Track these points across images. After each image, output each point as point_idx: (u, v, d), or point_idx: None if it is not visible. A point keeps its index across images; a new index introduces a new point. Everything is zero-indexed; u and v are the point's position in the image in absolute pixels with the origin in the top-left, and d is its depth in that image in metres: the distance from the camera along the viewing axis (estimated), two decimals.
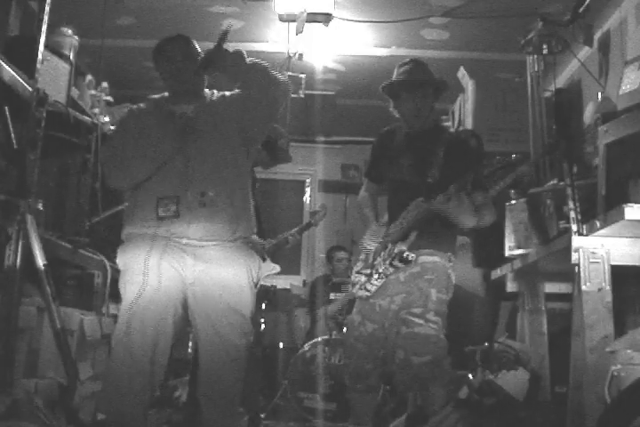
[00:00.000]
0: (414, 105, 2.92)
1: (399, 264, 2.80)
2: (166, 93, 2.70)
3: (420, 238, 2.82)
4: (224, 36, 2.50)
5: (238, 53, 2.55)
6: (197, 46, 2.64)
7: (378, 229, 2.98)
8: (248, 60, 2.56)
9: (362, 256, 3.03)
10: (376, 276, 2.87)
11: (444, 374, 2.73)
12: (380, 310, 2.88)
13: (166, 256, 2.48)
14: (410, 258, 2.78)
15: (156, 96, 2.72)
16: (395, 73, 3.01)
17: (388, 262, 2.83)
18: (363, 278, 2.93)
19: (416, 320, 2.74)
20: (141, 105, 2.71)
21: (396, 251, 2.83)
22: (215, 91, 2.73)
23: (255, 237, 2.73)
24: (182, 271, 2.49)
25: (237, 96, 2.64)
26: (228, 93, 2.70)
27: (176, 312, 2.51)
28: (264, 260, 2.97)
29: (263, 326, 4.74)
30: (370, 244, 2.98)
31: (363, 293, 2.91)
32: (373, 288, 2.88)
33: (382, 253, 2.89)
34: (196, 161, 2.53)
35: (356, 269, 3.01)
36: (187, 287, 2.50)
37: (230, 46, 2.54)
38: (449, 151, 2.88)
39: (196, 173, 2.52)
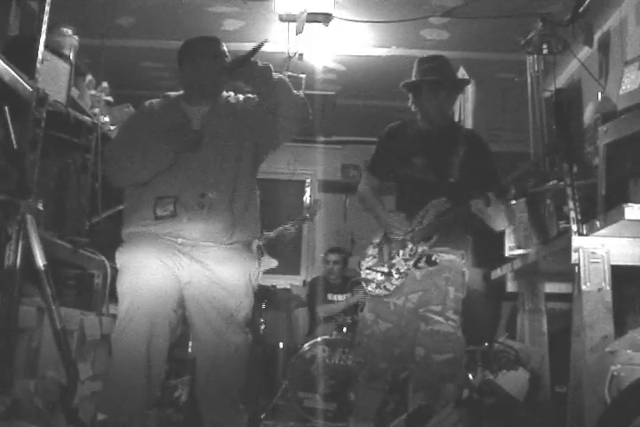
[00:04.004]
0: (438, 104, 2.92)
1: (425, 266, 2.81)
2: (182, 92, 2.70)
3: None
4: (258, 48, 2.51)
5: (267, 68, 2.55)
6: (226, 49, 2.63)
7: (399, 220, 2.93)
8: (275, 75, 2.56)
9: (371, 251, 3.00)
10: (397, 276, 2.85)
11: (461, 372, 2.74)
12: (395, 308, 2.87)
13: (161, 255, 2.48)
14: (437, 261, 2.79)
15: (172, 93, 2.72)
16: (415, 68, 2.98)
17: (411, 263, 2.83)
18: (379, 277, 2.90)
19: (435, 318, 2.75)
20: (154, 102, 2.71)
21: (419, 251, 2.82)
22: (232, 93, 2.72)
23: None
24: (177, 270, 2.49)
25: (258, 107, 2.62)
26: (251, 96, 2.69)
27: (172, 311, 2.50)
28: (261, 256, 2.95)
29: (263, 326, 4.74)
30: (397, 235, 2.92)
31: (381, 291, 2.89)
32: (393, 287, 2.86)
33: (402, 252, 2.87)
34: (200, 163, 2.53)
35: (366, 264, 2.97)
36: (182, 287, 2.50)
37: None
38: (468, 150, 2.89)
39: (198, 175, 2.51)
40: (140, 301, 2.44)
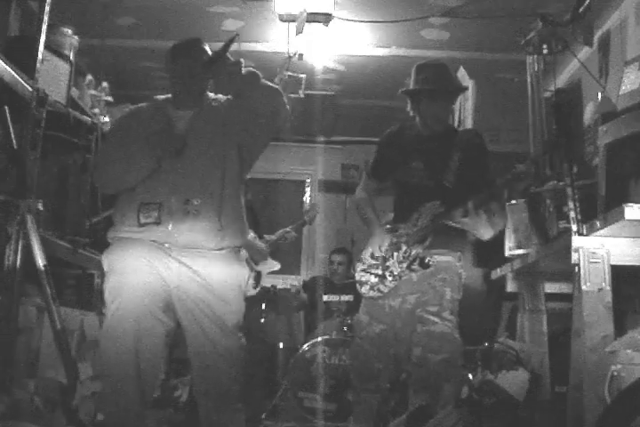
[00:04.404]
0: (435, 112, 2.94)
1: (418, 268, 2.82)
2: (170, 95, 2.67)
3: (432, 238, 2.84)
4: (230, 43, 2.47)
5: (236, 63, 2.51)
6: (209, 51, 2.59)
7: (383, 236, 2.95)
8: (244, 70, 2.51)
9: (367, 254, 3.01)
10: (390, 278, 2.87)
11: (458, 372, 2.75)
12: (390, 310, 2.89)
13: (148, 257, 2.45)
14: (430, 263, 2.80)
15: (161, 97, 2.69)
16: (414, 75, 2.99)
17: (405, 265, 2.84)
18: (373, 279, 2.91)
19: (432, 318, 2.76)
20: (142, 106, 2.69)
21: (413, 254, 2.83)
22: (221, 95, 2.69)
23: (256, 239, 2.69)
24: (165, 273, 2.45)
25: (237, 107, 2.59)
26: (232, 98, 2.66)
27: (161, 312, 2.48)
28: (265, 259, 2.94)
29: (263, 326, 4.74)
30: (378, 250, 2.94)
31: (375, 293, 2.90)
32: (386, 289, 2.88)
33: (396, 255, 2.88)
34: (184, 168, 2.49)
35: (361, 267, 2.99)
36: (171, 290, 2.48)
37: (234, 53, 2.52)
38: (465, 155, 2.90)
39: (183, 181, 2.47)
40: (128, 301, 2.42)
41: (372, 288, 2.91)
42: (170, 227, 2.44)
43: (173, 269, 2.46)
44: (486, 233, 2.79)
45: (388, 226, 2.99)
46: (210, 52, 2.59)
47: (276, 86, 2.58)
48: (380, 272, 2.90)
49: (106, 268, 2.52)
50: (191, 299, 2.46)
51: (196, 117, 2.57)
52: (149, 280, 2.44)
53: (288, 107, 2.57)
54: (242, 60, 2.53)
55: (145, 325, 2.43)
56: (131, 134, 2.54)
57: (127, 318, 2.41)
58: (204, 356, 2.49)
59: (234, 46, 2.51)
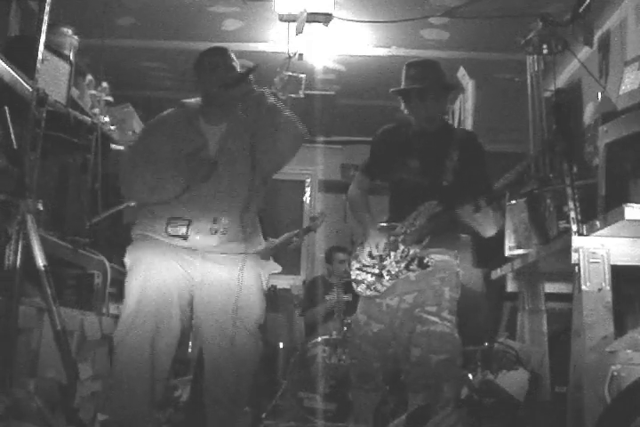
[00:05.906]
0: (426, 110, 2.93)
1: (417, 268, 2.81)
2: (199, 99, 2.66)
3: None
4: (249, 72, 2.52)
5: (262, 94, 2.56)
6: (231, 59, 2.60)
7: (380, 234, 2.95)
8: (270, 101, 2.56)
9: (363, 253, 3.00)
10: (388, 277, 2.86)
11: (458, 372, 2.74)
12: (388, 309, 2.87)
13: (173, 255, 2.49)
14: (430, 264, 2.79)
15: (189, 102, 2.67)
16: (404, 73, 2.99)
17: (403, 265, 2.83)
18: (369, 278, 2.91)
19: (431, 318, 2.75)
20: (171, 113, 2.67)
21: (411, 253, 2.83)
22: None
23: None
24: (189, 270, 2.49)
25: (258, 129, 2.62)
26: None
27: (181, 310, 2.50)
28: (268, 259, 2.97)
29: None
30: (375, 249, 2.94)
31: (372, 293, 2.89)
32: (383, 289, 2.87)
33: (393, 254, 2.88)
34: (214, 188, 2.52)
35: (356, 265, 2.98)
36: (193, 287, 2.50)
37: (235, 53, 2.54)
38: (462, 153, 2.89)
39: (212, 200, 2.52)
40: (148, 300, 2.44)
41: (368, 287, 2.90)
42: (196, 242, 2.49)
43: (198, 266, 2.50)
44: (491, 231, 2.79)
45: (384, 224, 2.98)
46: (232, 63, 2.58)
47: (295, 119, 2.60)
48: (376, 271, 2.89)
49: (128, 263, 2.56)
50: (214, 298, 2.50)
51: (226, 135, 2.59)
52: (173, 279, 2.48)
53: (304, 133, 2.61)
54: (266, 90, 2.56)
55: (163, 326, 2.46)
56: (162, 149, 2.55)
57: (148, 319, 2.44)
58: (222, 358, 2.48)
59: (234, 46, 2.51)
